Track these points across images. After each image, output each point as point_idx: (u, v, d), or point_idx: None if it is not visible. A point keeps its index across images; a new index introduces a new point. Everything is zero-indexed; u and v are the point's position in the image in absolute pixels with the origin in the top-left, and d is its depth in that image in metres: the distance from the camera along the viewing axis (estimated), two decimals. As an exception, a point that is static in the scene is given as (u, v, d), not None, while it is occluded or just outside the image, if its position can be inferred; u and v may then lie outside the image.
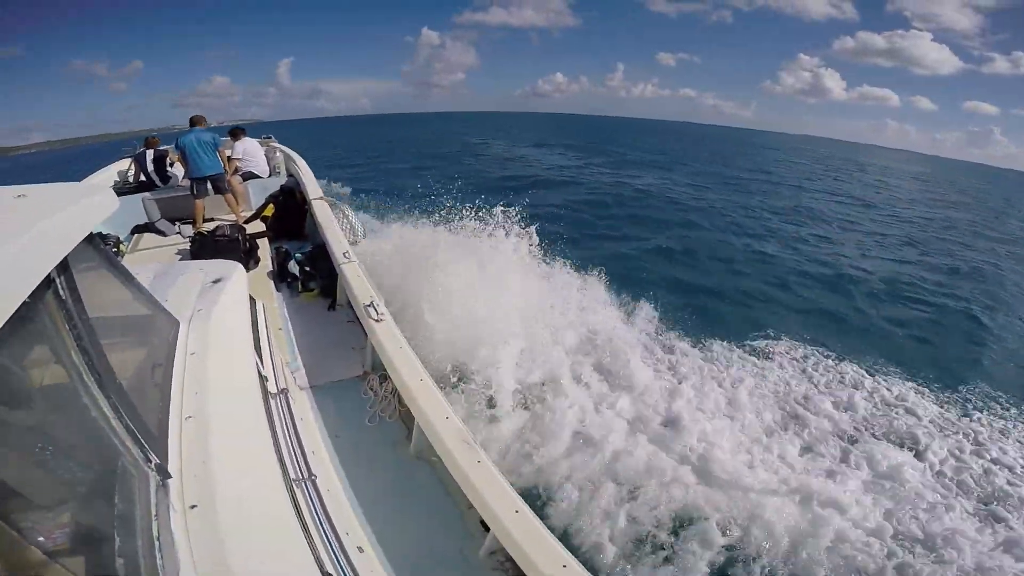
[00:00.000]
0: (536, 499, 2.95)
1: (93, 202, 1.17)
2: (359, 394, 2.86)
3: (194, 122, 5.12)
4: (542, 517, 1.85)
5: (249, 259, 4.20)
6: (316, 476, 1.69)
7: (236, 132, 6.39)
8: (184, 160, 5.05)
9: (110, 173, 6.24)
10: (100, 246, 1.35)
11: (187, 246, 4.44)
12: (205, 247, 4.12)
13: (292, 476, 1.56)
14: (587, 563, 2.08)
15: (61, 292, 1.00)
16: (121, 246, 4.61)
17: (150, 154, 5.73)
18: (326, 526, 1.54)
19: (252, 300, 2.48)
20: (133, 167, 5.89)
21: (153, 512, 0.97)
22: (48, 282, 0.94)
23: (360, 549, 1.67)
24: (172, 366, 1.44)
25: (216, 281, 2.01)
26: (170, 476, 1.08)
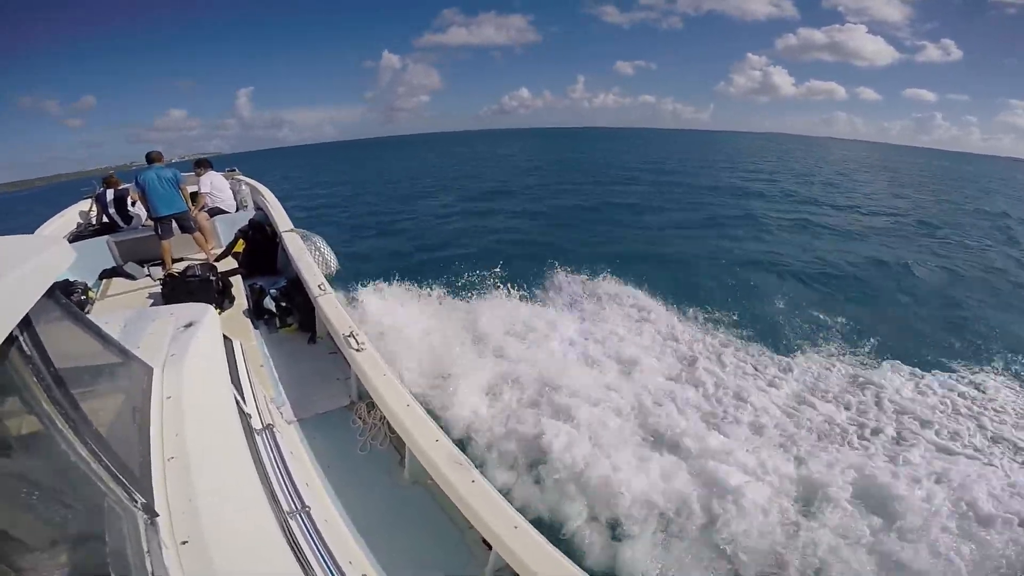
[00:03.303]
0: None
1: (47, 257, 1.17)
2: (348, 424, 2.83)
3: (152, 159, 4.98)
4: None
5: (223, 298, 4.13)
6: (310, 507, 1.68)
7: (202, 163, 6.05)
8: (144, 198, 4.89)
9: (71, 216, 6.01)
10: (62, 299, 1.36)
11: (158, 289, 4.31)
12: (177, 289, 4.02)
13: (285, 509, 1.55)
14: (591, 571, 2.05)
15: (25, 348, 1.01)
16: (90, 292, 4.38)
17: (110, 194, 5.48)
18: (326, 557, 1.54)
19: (228, 340, 2.47)
20: (95, 208, 5.65)
21: (145, 548, 0.99)
22: (11, 340, 0.95)
23: None
24: (149, 410, 1.45)
25: (187, 325, 2.01)
26: (157, 514, 1.09)
